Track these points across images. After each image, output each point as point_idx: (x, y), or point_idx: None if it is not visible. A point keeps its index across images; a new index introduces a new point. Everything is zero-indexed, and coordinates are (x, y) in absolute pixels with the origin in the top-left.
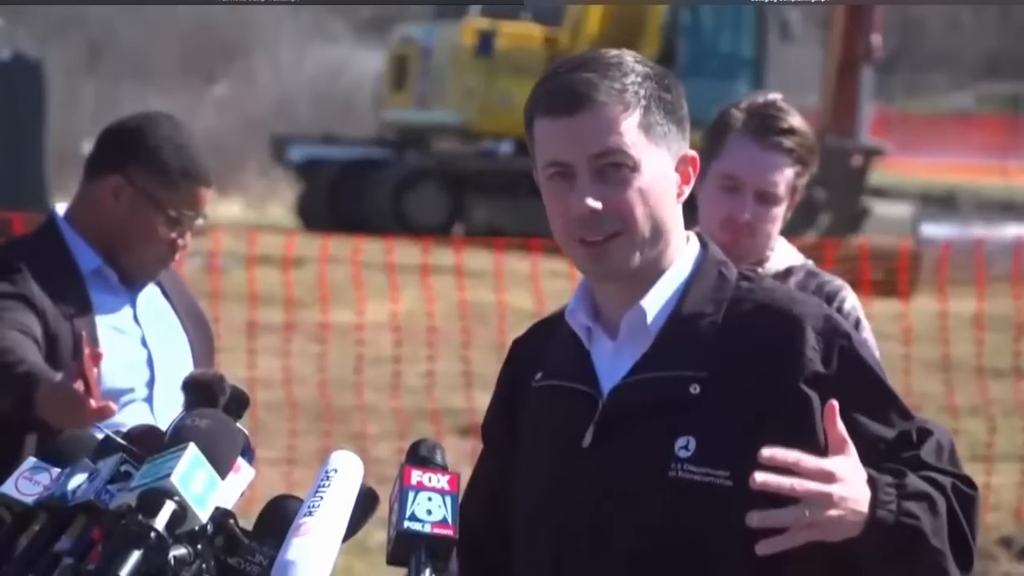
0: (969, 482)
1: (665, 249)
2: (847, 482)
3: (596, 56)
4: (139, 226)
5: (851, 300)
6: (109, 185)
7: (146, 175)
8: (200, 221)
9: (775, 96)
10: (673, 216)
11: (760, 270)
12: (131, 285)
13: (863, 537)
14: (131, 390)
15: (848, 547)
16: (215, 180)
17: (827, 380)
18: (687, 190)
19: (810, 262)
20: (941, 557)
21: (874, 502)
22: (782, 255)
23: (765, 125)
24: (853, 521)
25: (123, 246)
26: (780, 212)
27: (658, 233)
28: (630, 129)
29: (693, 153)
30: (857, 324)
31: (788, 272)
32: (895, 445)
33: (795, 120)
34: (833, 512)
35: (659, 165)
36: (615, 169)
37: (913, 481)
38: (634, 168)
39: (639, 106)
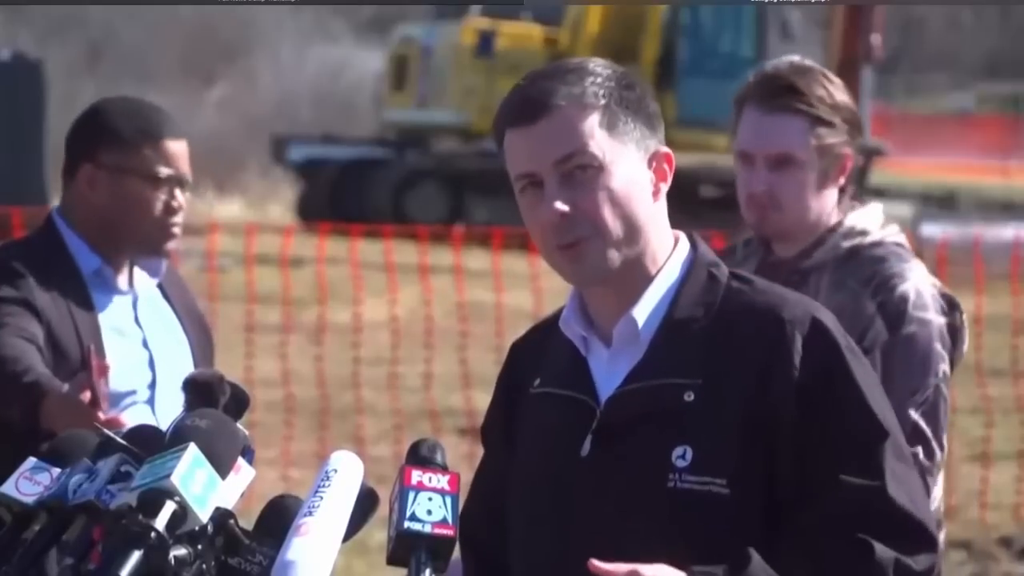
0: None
1: (647, 250)
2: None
3: (557, 65)
4: (124, 202)
5: (903, 288)
6: (83, 178)
7: (109, 151)
8: (185, 176)
9: (788, 59)
10: (651, 215)
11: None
12: (131, 285)
13: None
14: (133, 392)
15: None
16: (181, 134)
17: (805, 390)
18: (664, 187)
19: (892, 237)
20: None
21: None
22: (855, 230)
23: (766, 90)
24: None
25: (121, 229)
26: (806, 177)
27: (633, 232)
28: (592, 130)
29: (667, 150)
30: (902, 316)
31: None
32: (826, 486)
33: (802, 80)
34: None
35: (628, 163)
36: (581, 171)
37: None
38: (600, 168)
39: (599, 106)
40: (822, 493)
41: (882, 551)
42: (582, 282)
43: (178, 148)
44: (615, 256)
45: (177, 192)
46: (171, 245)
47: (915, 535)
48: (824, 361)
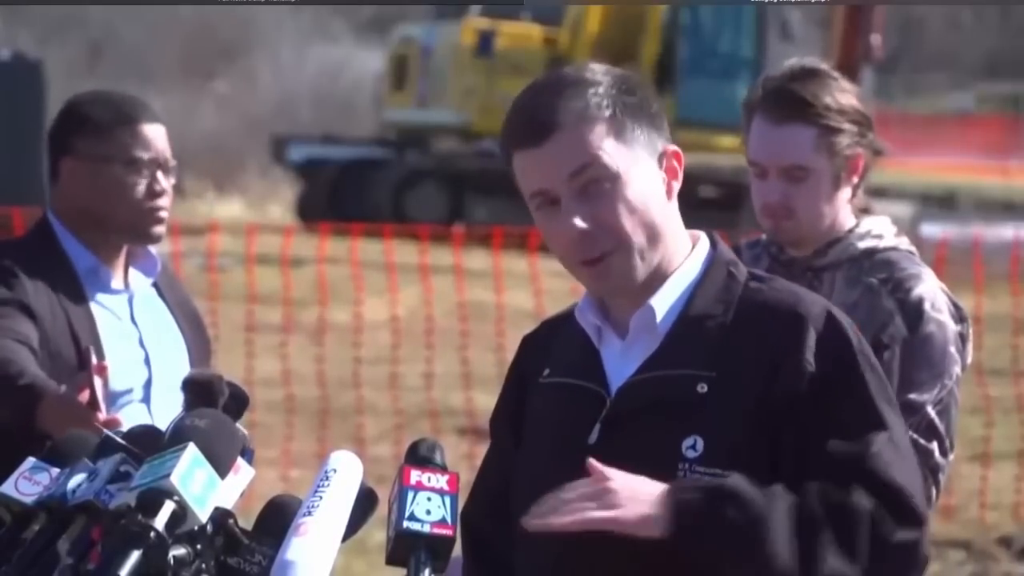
0: (897, 545)
1: (666, 249)
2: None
3: (557, 78)
4: (105, 189)
5: (919, 290)
6: (64, 172)
7: (86, 141)
8: (164, 158)
9: (795, 64)
10: (667, 215)
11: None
12: (127, 284)
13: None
14: (129, 391)
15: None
16: (157, 118)
17: (817, 385)
18: (676, 185)
19: (905, 245)
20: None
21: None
22: (870, 234)
23: (774, 100)
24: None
25: (105, 218)
26: (819, 186)
27: (655, 237)
28: (600, 141)
29: (674, 147)
30: (920, 316)
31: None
32: (838, 461)
33: (809, 89)
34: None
35: (640, 168)
36: (596, 184)
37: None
38: (615, 178)
39: (603, 117)
40: (811, 467)
41: (859, 497)
42: (609, 294)
43: (155, 131)
44: (640, 265)
45: (159, 175)
46: (159, 230)
47: (897, 501)
48: (836, 358)
